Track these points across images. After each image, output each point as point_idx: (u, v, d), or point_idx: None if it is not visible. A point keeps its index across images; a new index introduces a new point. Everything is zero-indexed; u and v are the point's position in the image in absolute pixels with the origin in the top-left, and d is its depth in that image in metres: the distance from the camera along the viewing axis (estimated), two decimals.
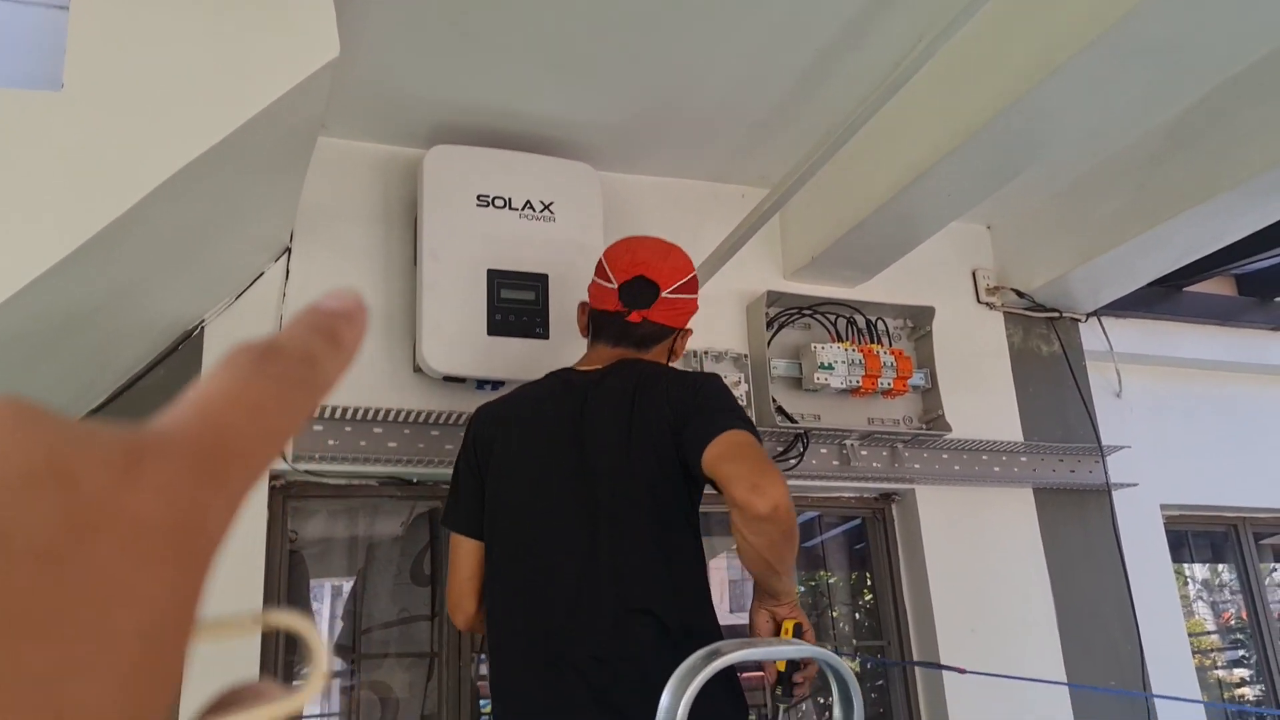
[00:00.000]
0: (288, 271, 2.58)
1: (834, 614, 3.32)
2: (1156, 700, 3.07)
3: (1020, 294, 3.33)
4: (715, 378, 1.93)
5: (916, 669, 2.98)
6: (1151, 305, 3.61)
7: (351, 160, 2.74)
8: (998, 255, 3.43)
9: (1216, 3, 1.93)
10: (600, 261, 2.10)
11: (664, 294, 2.00)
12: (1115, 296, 3.40)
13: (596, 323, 2.07)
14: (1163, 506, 3.59)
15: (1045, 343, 3.41)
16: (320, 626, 2.86)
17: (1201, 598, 4.52)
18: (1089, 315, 3.50)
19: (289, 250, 2.60)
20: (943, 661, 2.90)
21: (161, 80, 1.70)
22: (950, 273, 3.36)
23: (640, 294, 2.01)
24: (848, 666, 1.71)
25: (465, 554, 1.94)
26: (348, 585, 2.83)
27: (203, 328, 2.46)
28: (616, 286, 2.01)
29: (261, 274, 2.56)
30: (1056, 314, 3.42)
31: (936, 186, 2.62)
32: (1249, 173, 2.59)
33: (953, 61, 2.33)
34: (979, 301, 3.36)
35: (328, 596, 3.00)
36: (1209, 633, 4.47)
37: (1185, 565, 4.21)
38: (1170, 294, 3.66)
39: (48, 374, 2.03)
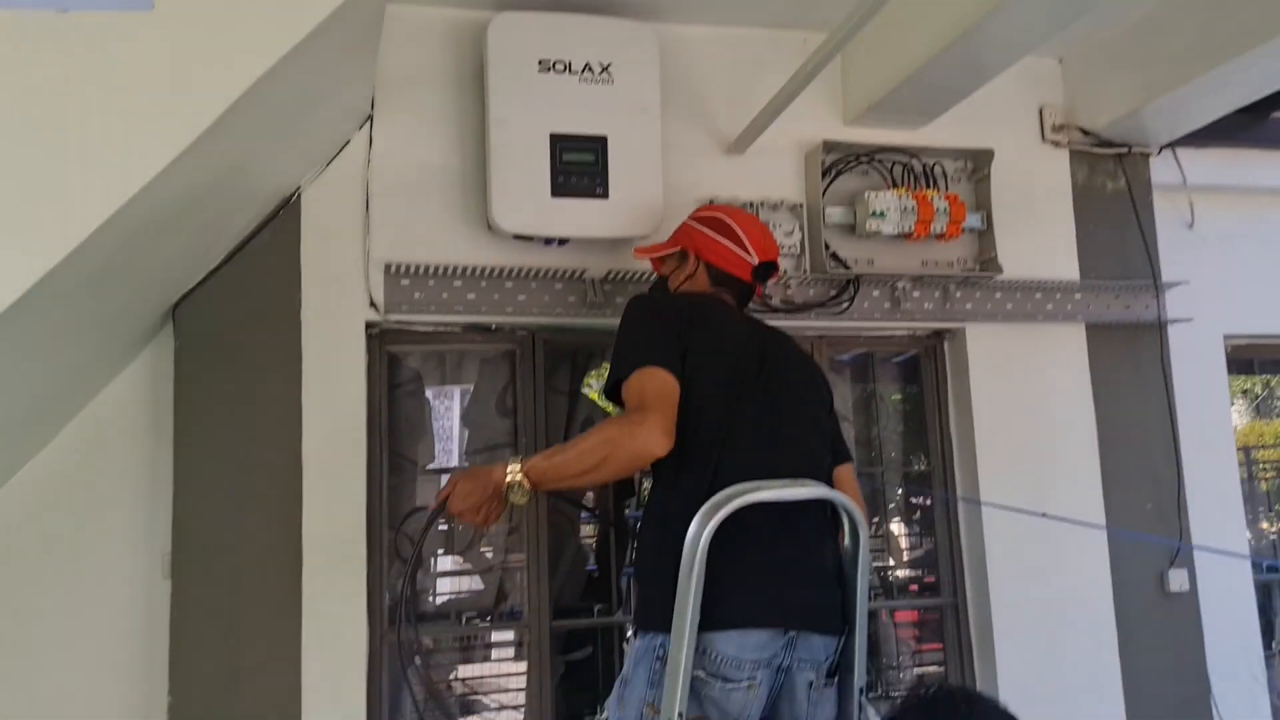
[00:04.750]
0: (370, 139, 2.82)
1: (881, 443, 3.53)
2: (1192, 518, 3.27)
3: (1086, 133, 3.32)
4: None
5: (957, 488, 3.23)
6: (1233, 134, 3.52)
7: (423, 27, 2.91)
8: (1067, 91, 3.39)
9: None
10: (732, 229, 2.36)
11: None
12: (1192, 128, 3.34)
13: (726, 281, 2.34)
14: (1227, 337, 3.65)
15: (1111, 179, 3.42)
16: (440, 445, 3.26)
17: None
18: (1162, 148, 3.47)
19: (370, 118, 2.83)
20: (982, 488, 3.14)
21: None
22: (1016, 110, 3.36)
23: (768, 272, 2.38)
24: (855, 507, 2.00)
25: (674, 391, 1.99)
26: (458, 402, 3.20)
27: (299, 194, 2.75)
28: (755, 264, 2.33)
29: (348, 141, 2.81)
30: (1125, 149, 3.40)
31: (1006, 22, 2.55)
32: None
33: None
34: (1044, 140, 3.37)
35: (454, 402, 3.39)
36: None
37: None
38: (1255, 121, 3.56)
39: (175, 243, 2.35)
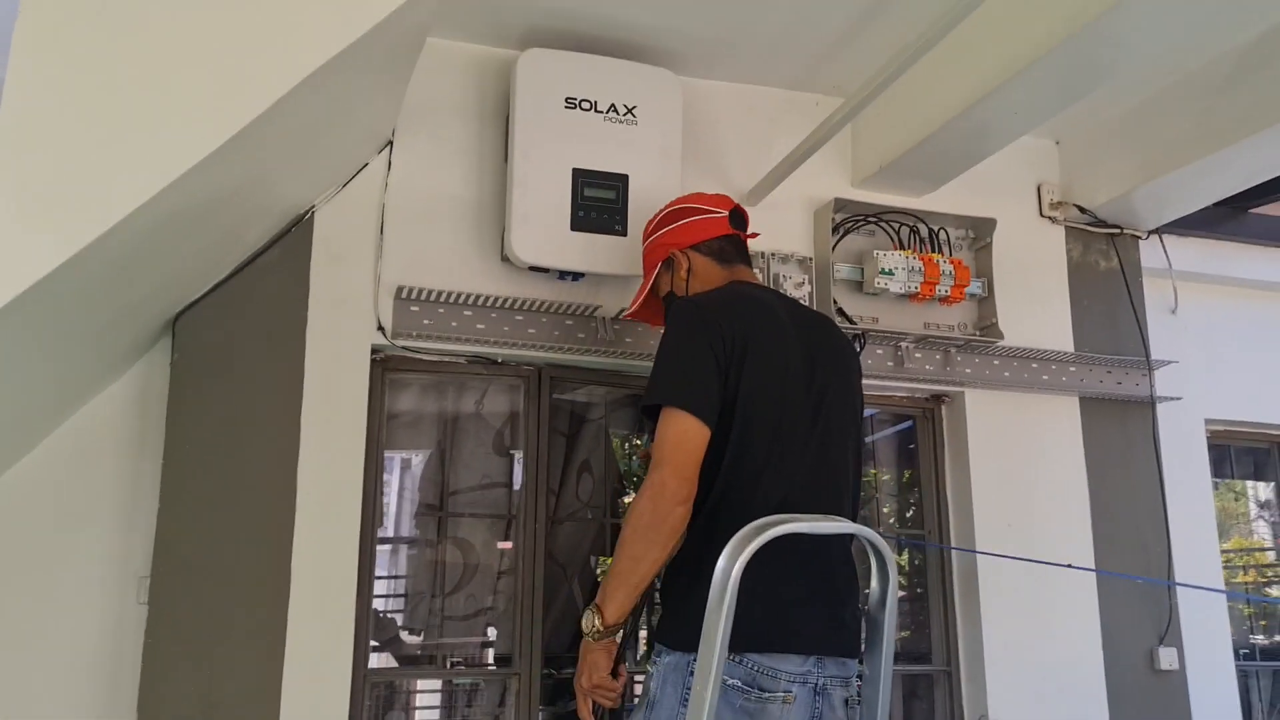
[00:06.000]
0: (389, 163, 2.79)
1: (884, 509, 3.51)
2: (1180, 600, 3.27)
3: (1083, 210, 3.42)
4: None
5: (953, 554, 3.20)
6: (1215, 225, 3.67)
7: (450, 60, 2.91)
8: (1064, 171, 3.51)
9: None
10: (687, 206, 2.35)
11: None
12: (1179, 215, 3.47)
13: (722, 248, 2.28)
14: (1207, 421, 3.73)
15: (1104, 258, 3.51)
16: (390, 497, 3.08)
17: (1263, 517, 4.43)
18: (1150, 233, 3.58)
19: (391, 143, 2.80)
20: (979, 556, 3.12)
21: None
22: (1016, 186, 3.45)
23: (744, 220, 2.36)
24: (885, 543, 1.95)
25: (701, 439, 1.93)
26: (417, 459, 3.04)
27: (313, 213, 2.70)
28: (726, 214, 2.31)
29: (366, 165, 2.77)
30: (1117, 230, 3.51)
31: (1007, 102, 2.71)
32: None
33: None
34: (1041, 215, 3.46)
35: (397, 469, 3.21)
36: (1266, 549, 4.48)
37: (1249, 483, 4.30)
38: (1235, 214, 3.72)
39: (191, 246, 2.27)
